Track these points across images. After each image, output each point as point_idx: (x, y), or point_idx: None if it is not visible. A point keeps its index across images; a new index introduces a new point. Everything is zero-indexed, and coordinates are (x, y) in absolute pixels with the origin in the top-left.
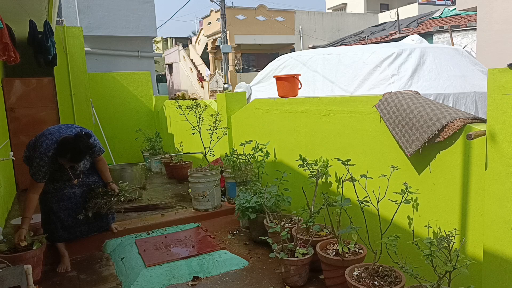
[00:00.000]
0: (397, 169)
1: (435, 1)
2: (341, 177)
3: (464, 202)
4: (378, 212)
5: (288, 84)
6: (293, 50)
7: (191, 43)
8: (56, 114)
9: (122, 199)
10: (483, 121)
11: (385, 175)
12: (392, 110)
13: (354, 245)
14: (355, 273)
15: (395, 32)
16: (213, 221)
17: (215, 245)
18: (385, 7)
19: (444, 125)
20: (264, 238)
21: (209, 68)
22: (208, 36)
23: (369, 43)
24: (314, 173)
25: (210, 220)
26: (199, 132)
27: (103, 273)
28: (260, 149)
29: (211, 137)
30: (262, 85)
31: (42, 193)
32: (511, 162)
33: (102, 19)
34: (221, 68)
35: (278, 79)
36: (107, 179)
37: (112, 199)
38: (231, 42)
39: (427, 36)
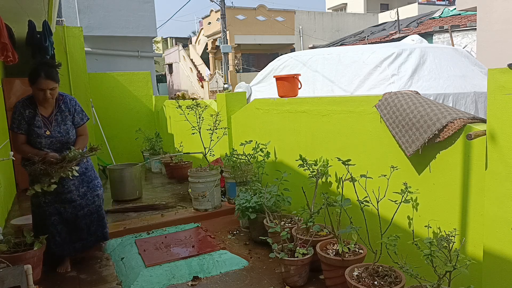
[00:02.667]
0: (397, 169)
1: (435, 1)
2: (341, 177)
3: (464, 202)
4: (378, 212)
5: (288, 84)
6: (293, 50)
7: (191, 43)
8: None
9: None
10: (483, 121)
11: (385, 175)
12: (392, 110)
13: (354, 245)
14: (355, 273)
15: (395, 32)
16: (213, 221)
17: (215, 245)
18: (385, 7)
19: (444, 125)
20: (264, 238)
21: (209, 68)
22: (208, 36)
23: (369, 43)
24: (314, 173)
25: (210, 220)
26: (199, 132)
27: (103, 273)
28: (260, 149)
29: (211, 137)
30: (262, 85)
31: (33, 206)
32: (511, 162)
33: (102, 19)
34: (221, 68)
35: (278, 79)
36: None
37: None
38: (231, 42)
39: (427, 36)
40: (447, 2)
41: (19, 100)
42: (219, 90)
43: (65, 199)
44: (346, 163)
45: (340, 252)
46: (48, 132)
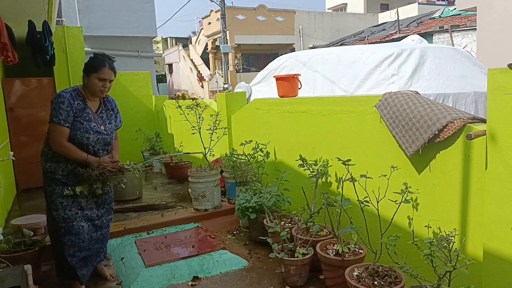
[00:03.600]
0: (397, 169)
1: (435, 1)
2: (341, 177)
3: (464, 202)
4: (378, 212)
5: (288, 84)
6: (293, 50)
7: (191, 43)
8: None
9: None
10: (483, 121)
11: (385, 175)
12: (392, 110)
13: (354, 245)
14: (355, 273)
15: (395, 32)
16: (213, 221)
17: (215, 245)
18: (385, 7)
19: (444, 125)
20: (264, 238)
21: (209, 68)
22: (208, 36)
23: (369, 43)
24: (314, 173)
25: (210, 220)
26: (199, 132)
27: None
28: (260, 149)
29: (211, 137)
30: (262, 85)
31: (50, 221)
32: (511, 162)
33: (102, 19)
34: (221, 68)
35: (278, 79)
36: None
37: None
38: (231, 42)
39: (427, 36)
40: (447, 2)
41: (64, 90)
42: (219, 90)
43: (85, 215)
44: (346, 163)
45: (340, 252)
46: (102, 127)
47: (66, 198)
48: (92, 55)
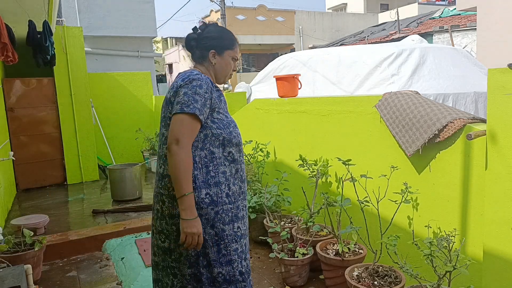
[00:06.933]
0: (397, 169)
1: (435, 1)
2: (341, 177)
3: (464, 202)
4: (378, 212)
5: (288, 84)
6: (293, 50)
7: None
8: (56, 114)
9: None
10: (483, 121)
11: (385, 175)
12: (392, 110)
13: (354, 245)
14: (355, 273)
15: (395, 32)
16: None
17: None
18: (385, 7)
19: (444, 125)
20: (264, 238)
21: None
22: None
23: (369, 43)
24: (314, 173)
25: None
26: None
27: (103, 273)
28: (260, 149)
29: None
30: (262, 85)
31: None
32: (511, 162)
33: (102, 19)
34: None
35: (278, 79)
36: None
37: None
38: None
39: (427, 36)
40: (447, 2)
41: (200, 72)
42: None
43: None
44: (346, 163)
45: (340, 252)
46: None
47: None
48: (213, 24)
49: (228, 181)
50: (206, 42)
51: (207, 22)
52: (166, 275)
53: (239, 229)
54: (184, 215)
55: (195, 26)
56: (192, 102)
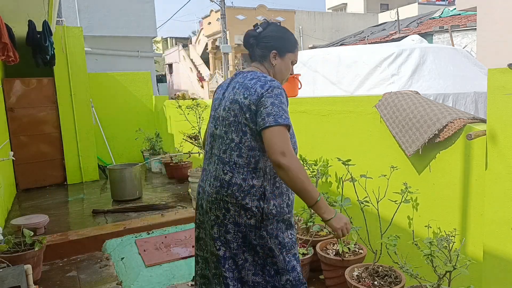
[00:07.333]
0: (397, 169)
1: (435, 1)
2: (341, 177)
3: (464, 202)
4: (378, 212)
5: (288, 84)
6: None
7: (191, 43)
8: (56, 114)
9: None
10: (483, 121)
11: (385, 175)
12: (392, 110)
13: (354, 245)
14: (355, 273)
15: (395, 32)
16: None
17: None
18: (385, 7)
19: (444, 125)
20: None
21: (209, 68)
22: (208, 36)
23: (369, 43)
24: (314, 173)
25: None
26: (199, 132)
27: (103, 273)
28: None
29: None
30: None
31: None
32: (511, 162)
33: (102, 19)
34: (221, 68)
35: None
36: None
37: None
38: (231, 42)
39: (427, 36)
40: (447, 2)
41: (264, 75)
42: None
43: None
44: (346, 163)
45: (340, 252)
46: None
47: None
48: (274, 23)
49: (288, 191)
50: (269, 41)
51: (269, 20)
52: (219, 284)
53: (292, 236)
54: (327, 216)
55: (256, 24)
56: (283, 112)
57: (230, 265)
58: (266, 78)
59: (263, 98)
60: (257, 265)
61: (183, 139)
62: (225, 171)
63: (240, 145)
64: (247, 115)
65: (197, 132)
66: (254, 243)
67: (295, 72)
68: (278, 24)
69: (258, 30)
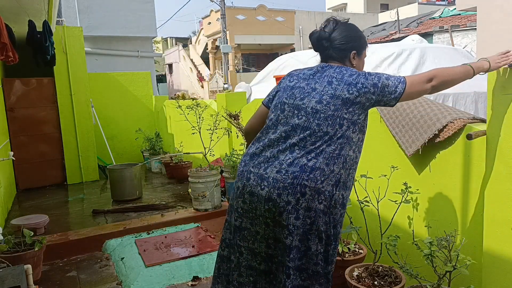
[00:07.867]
0: (397, 169)
1: (435, 1)
2: None
3: (464, 202)
4: (378, 212)
5: None
6: (293, 50)
7: (191, 43)
8: (56, 114)
9: None
10: (483, 121)
11: (385, 175)
12: (392, 110)
13: (354, 245)
14: (355, 273)
15: (395, 32)
16: (213, 221)
17: (215, 245)
18: (385, 7)
19: (444, 125)
20: None
21: (209, 68)
22: (208, 36)
23: (369, 43)
24: None
25: (210, 220)
26: (199, 132)
27: (103, 273)
28: None
29: (211, 137)
30: (262, 85)
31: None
32: (511, 162)
33: (102, 19)
34: (221, 68)
35: (278, 79)
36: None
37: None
38: (231, 42)
39: (427, 36)
40: (447, 2)
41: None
42: (219, 90)
43: None
44: None
45: (340, 252)
46: None
47: None
48: (344, 23)
49: (352, 187)
50: (347, 42)
51: (336, 19)
52: (282, 272)
53: (340, 232)
54: (488, 68)
55: (325, 25)
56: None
57: (295, 254)
58: (360, 71)
59: (378, 83)
60: (319, 254)
61: (222, 116)
62: (309, 158)
63: (334, 137)
64: (351, 109)
65: (237, 112)
66: (321, 229)
67: None
68: (349, 22)
69: (327, 30)
